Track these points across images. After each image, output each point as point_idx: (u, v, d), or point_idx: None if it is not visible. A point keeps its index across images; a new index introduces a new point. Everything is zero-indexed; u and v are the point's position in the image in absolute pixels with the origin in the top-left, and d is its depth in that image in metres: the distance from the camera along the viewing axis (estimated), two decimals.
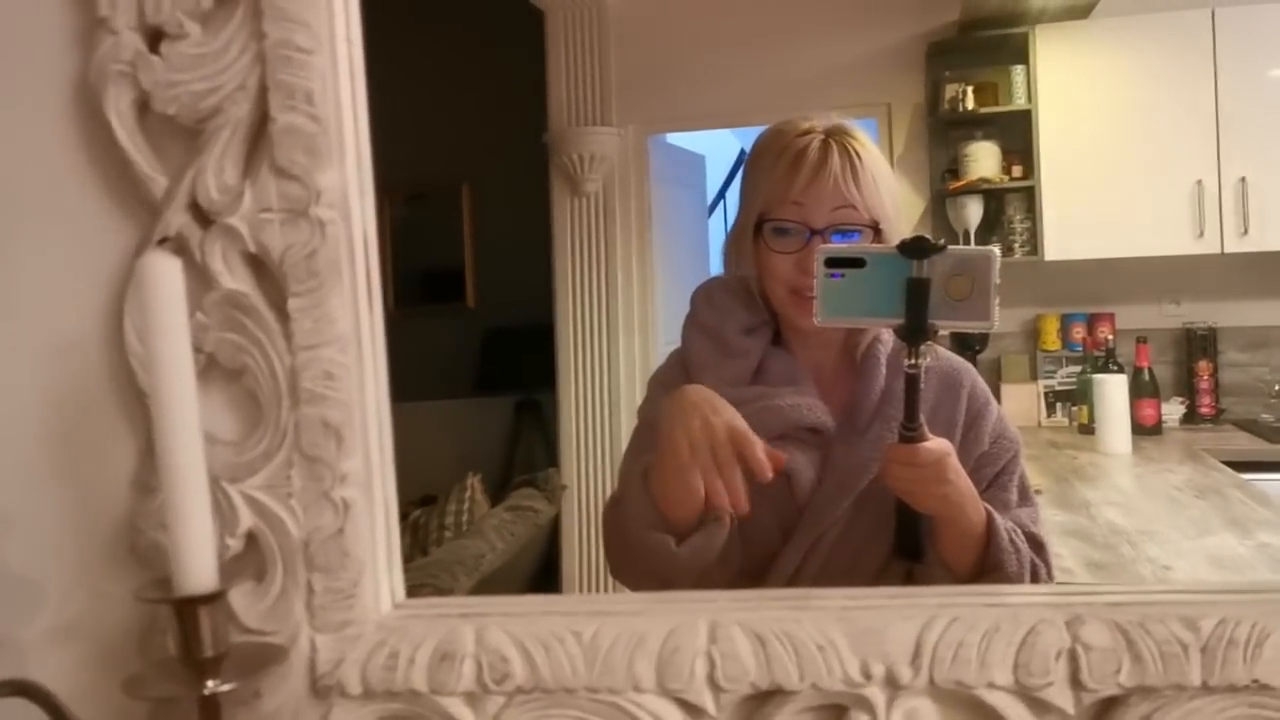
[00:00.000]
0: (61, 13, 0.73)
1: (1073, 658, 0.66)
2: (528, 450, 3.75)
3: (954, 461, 0.99)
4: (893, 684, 0.68)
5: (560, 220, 3.52)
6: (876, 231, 1.07)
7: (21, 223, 0.75)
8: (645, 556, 0.99)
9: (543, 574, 3.19)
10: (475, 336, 3.88)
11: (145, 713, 0.74)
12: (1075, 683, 0.67)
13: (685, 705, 0.71)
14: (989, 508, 1.03)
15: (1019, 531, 1.05)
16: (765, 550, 1.08)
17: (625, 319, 3.51)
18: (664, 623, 0.71)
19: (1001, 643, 0.67)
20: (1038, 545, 1.07)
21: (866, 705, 0.69)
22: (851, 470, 1.07)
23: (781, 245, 1.08)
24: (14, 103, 0.74)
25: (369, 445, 0.74)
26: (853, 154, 1.07)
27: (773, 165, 1.09)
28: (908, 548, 1.05)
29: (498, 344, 3.78)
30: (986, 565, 1.02)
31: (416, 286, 3.84)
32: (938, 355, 1.13)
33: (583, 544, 3.40)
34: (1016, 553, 1.03)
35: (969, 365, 1.16)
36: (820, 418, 1.08)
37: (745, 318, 1.14)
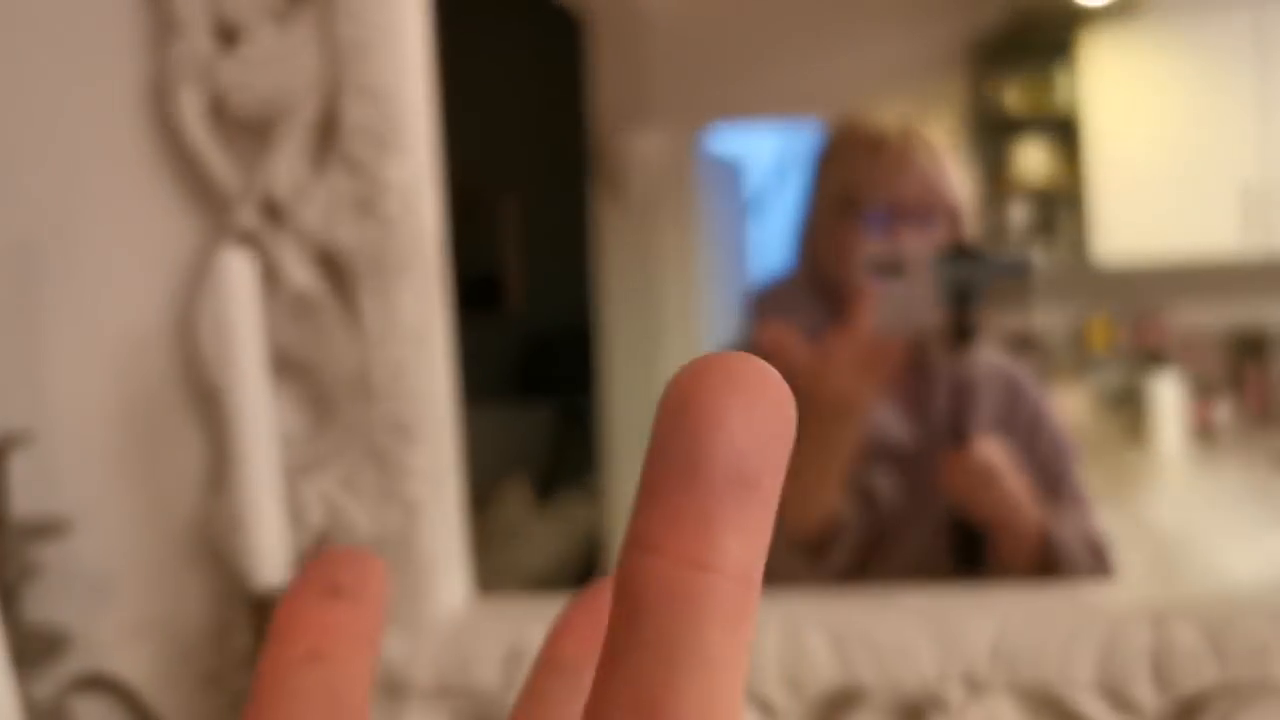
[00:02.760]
0: (135, 12, 0.73)
1: (1157, 656, 0.65)
2: (570, 456, 3.74)
3: (1004, 465, 0.98)
4: (972, 684, 0.67)
5: (602, 225, 3.52)
6: (953, 221, 1.06)
7: (94, 221, 0.76)
8: (782, 577, 0.99)
9: (586, 579, 3.18)
10: (518, 342, 3.87)
11: (222, 706, 0.74)
12: (1160, 681, 0.65)
13: (759, 704, 0.70)
14: (1046, 511, 1.02)
15: (1079, 533, 1.04)
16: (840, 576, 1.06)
17: (668, 323, 3.50)
18: None
19: (1084, 641, 0.66)
20: (1101, 547, 1.06)
21: (945, 705, 0.68)
22: (931, 484, 1.05)
23: (860, 228, 1.08)
24: (88, 102, 0.75)
25: (438, 442, 0.74)
26: (930, 142, 1.07)
27: (853, 149, 1.09)
28: (965, 554, 1.03)
29: (540, 349, 3.78)
30: (1046, 569, 1.01)
31: (459, 293, 3.83)
32: (994, 359, 1.11)
33: None
34: (1075, 555, 1.01)
35: (1026, 370, 1.14)
36: (900, 432, 1.07)
37: (816, 318, 1.13)
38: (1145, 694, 0.65)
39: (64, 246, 0.76)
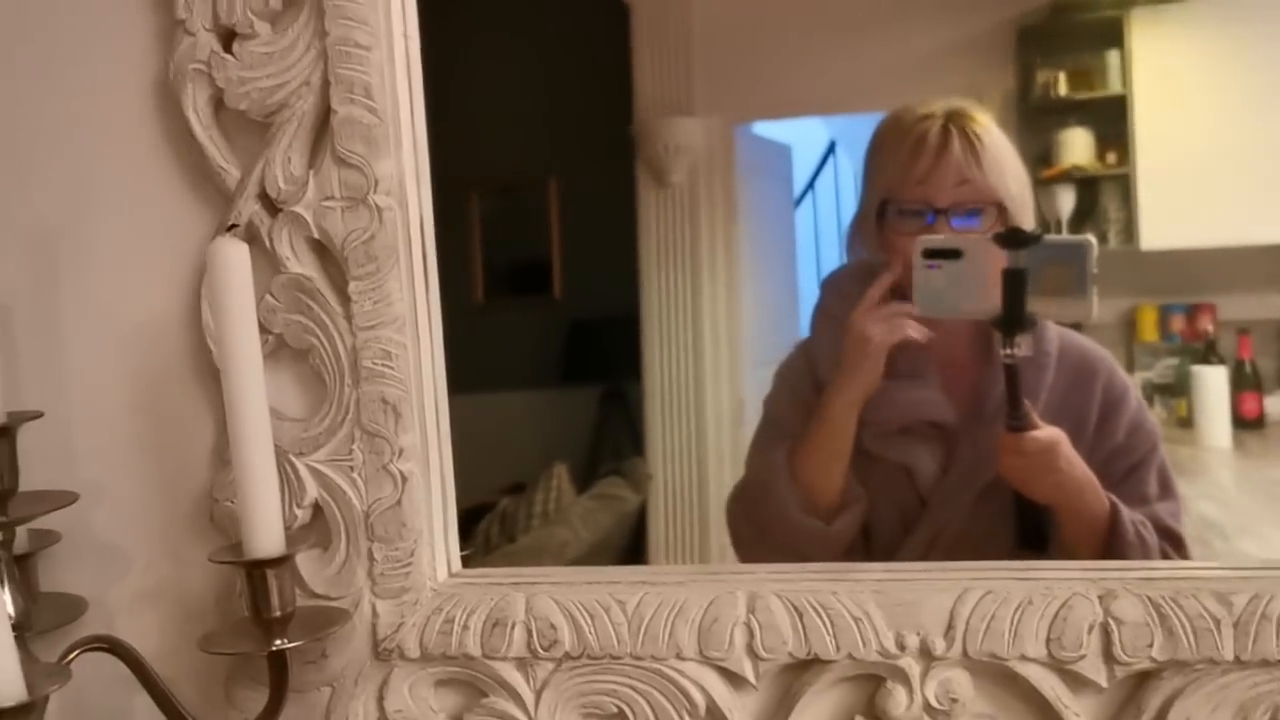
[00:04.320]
0: (143, 15, 0.79)
1: (1105, 631, 0.67)
2: (613, 440, 3.75)
3: (1066, 450, 0.98)
4: (927, 655, 0.70)
5: (646, 211, 3.53)
6: (1001, 211, 1.07)
7: (108, 211, 0.81)
8: (797, 540, 1.04)
9: (628, 561, 3.21)
10: (562, 328, 3.89)
11: (223, 670, 0.79)
12: (1108, 656, 0.67)
13: (725, 673, 0.73)
14: (1113, 498, 1.02)
15: (1148, 524, 1.03)
16: (886, 545, 1.08)
17: (710, 309, 3.50)
18: (705, 593, 0.73)
19: (1034, 616, 0.68)
20: (1175, 540, 1.05)
21: (901, 676, 0.70)
22: (977, 462, 1.06)
23: (906, 227, 1.09)
24: (101, 100, 0.80)
25: (426, 421, 0.78)
26: (973, 136, 1.08)
27: (894, 149, 1.10)
28: (1029, 538, 1.04)
29: (584, 335, 3.80)
30: (1110, 557, 1.01)
31: (504, 279, 3.85)
32: (1072, 341, 1.11)
33: (668, 531, 3.41)
34: (1142, 544, 1.01)
35: (1106, 355, 1.13)
36: (940, 412, 1.08)
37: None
38: (1094, 669, 0.67)
39: (80, 237, 0.81)
